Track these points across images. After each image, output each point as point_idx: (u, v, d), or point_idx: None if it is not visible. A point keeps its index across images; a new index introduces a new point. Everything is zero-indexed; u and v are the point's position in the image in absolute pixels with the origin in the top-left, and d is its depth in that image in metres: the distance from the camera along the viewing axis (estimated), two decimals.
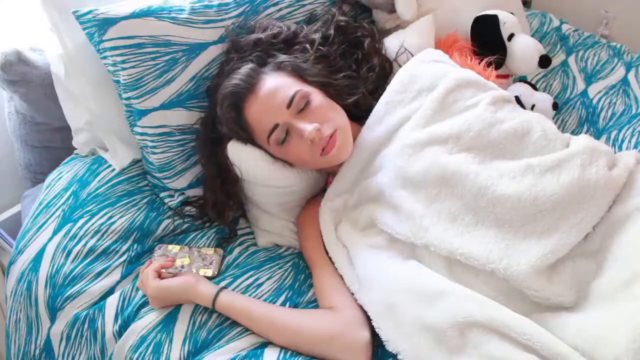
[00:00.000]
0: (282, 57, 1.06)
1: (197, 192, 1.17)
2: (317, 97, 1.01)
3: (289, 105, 0.98)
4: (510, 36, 1.27)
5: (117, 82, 1.09)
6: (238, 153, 1.05)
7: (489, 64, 1.19)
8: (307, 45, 1.11)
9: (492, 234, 0.87)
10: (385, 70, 1.17)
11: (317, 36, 1.13)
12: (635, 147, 1.28)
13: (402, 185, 0.96)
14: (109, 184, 1.13)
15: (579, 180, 0.87)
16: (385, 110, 1.05)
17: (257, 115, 1.01)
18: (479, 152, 0.94)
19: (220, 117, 1.05)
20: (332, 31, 1.15)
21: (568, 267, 0.85)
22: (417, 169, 0.95)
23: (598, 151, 0.92)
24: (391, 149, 1.01)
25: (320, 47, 1.11)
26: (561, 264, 0.85)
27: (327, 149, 0.99)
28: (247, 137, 1.05)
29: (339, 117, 1.03)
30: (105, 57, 1.08)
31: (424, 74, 1.06)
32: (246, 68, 1.04)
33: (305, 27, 1.18)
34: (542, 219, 0.86)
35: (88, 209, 1.08)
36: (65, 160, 1.24)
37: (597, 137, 1.36)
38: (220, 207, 1.12)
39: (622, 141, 1.31)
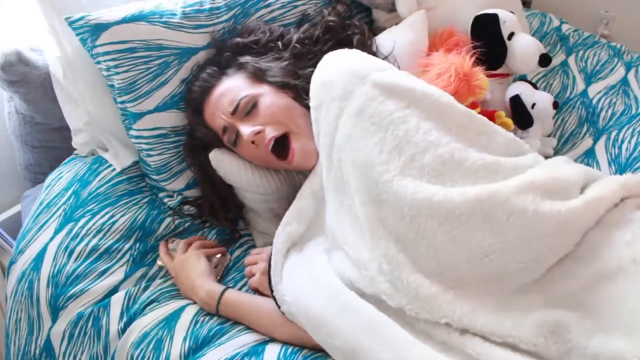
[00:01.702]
0: (245, 58, 1.06)
1: (195, 192, 1.18)
2: (268, 99, 1.00)
3: (234, 111, 1.00)
4: (511, 35, 1.27)
5: (112, 86, 1.09)
6: (219, 161, 1.06)
7: (475, 57, 1.17)
8: (280, 44, 1.10)
9: (438, 282, 0.77)
10: None
11: (296, 36, 1.12)
12: (635, 147, 1.28)
13: (349, 222, 0.86)
14: (110, 184, 1.13)
15: (528, 220, 0.75)
16: (317, 129, 0.93)
17: (210, 118, 1.04)
18: (413, 178, 0.80)
19: (190, 122, 1.08)
20: (318, 31, 1.14)
21: (534, 312, 0.75)
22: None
23: (545, 187, 0.77)
24: None
25: (297, 45, 1.10)
26: (520, 302, 0.76)
27: (290, 158, 0.98)
28: (221, 141, 1.06)
29: (292, 121, 0.99)
30: (98, 62, 1.08)
31: (335, 79, 0.89)
32: (204, 73, 1.06)
33: (292, 29, 1.17)
34: (490, 263, 0.76)
35: (89, 208, 1.08)
36: (65, 160, 1.24)
37: (597, 137, 1.36)
38: (215, 210, 1.13)
39: (622, 141, 1.31)
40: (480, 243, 0.76)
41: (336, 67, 0.92)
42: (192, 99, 1.07)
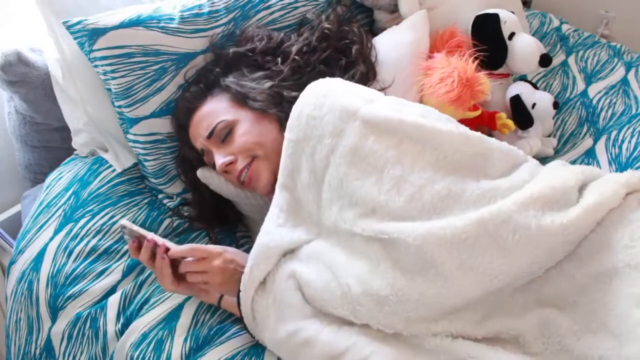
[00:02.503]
0: (229, 80, 1.04)
1: None
2: (244, 127, 1.00)
3: (209, 136, 1.01)
4: (511, 35, 1.27)
5: (109, 90, 1.09)
6: (207, 177, 1.08)
7: (478, 61, 1.17)
8: (279, 59, 1.08)
9: (443, 310, 0.77)
10: (367, 77, 1.12)
11: (295, 48, 1.09)
12: (635, 147, 1.28)
13: (346, 257, 0.82)
14: (110, 184, 1.13)
15: (533, 236, 0.74)
16: (293, 162, 0.87)
17: (193, 138, 1.06)
18: (414, 217, 0.79)
19: (177, 138, 1.10)
20: (314, 39, 1.12)
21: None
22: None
23: (545, 199, 0.75)
24: None
25: (297, 58, 1.07)
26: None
27: (247, 181, 0.99)
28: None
29: (261, 148, 0.99)
30: (96, 66, 1.08)
31: (323, 114, 0.84)
32: (188, 92, 1.07)
33: (292, 36, 1.15)
34: (498, 283, 0.76)
35: (89, 208, 1.08)
36: (65, 161, 1.24)
37: (597, 137, 1.36)
38: (209, 217, 1.13)
39: (622, 141, 1.31)
40: (489, 265, 0.74)
41: (324, 100, 0.86)
42: (178, 117, 1.09)
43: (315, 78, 1.02)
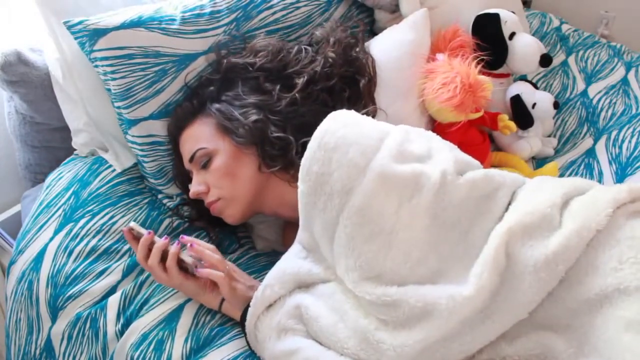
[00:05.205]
0: (215, 107, 1.04)
1: None
2: (222, 159, 1.00)
3: (190, 160, 1.03)
4: (512, 35, 1.28)
5: (109, 90, 1.09)
6: None
7: (480, 63, 1.16)
8: (278, 87, 1.05)
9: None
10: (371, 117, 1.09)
11: (300, 82, 1.05)
12: (635, 146, 1.29)
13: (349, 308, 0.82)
14: (110, 184, 1.13)
15: (528, 274, 0.72)
16: (307, 214, 0.86)
17: (182, 154, 1.07)
18: (422, 283, 0.78)
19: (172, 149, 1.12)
20: (319, 70, 1.08)
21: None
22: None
23: (524, 228, 0.74)
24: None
25: (297, 96, 1.04)
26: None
27: (214, 213, 1.03)
28: None
29: (231, 186, 1.00)
30: (96, 67, 1.08)
31: (333, 171, 0.80)
32: (180, 108, 1.08)
33: (302, 52, 1.11)
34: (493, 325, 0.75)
35: (89, 208, 1.08)
36: (65, 161, 1.24)
37: (598, 137, 1.36)
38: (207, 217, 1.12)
39: (623, 141, 1.32)
40: (488, 325, 0.74)
41: (332, 155, 0.81)
42: (171, 132, 1.10)
43: (315, 107, 1.04)
